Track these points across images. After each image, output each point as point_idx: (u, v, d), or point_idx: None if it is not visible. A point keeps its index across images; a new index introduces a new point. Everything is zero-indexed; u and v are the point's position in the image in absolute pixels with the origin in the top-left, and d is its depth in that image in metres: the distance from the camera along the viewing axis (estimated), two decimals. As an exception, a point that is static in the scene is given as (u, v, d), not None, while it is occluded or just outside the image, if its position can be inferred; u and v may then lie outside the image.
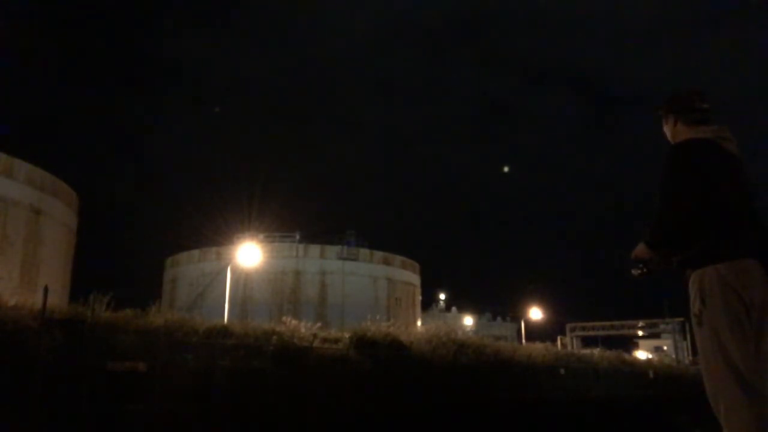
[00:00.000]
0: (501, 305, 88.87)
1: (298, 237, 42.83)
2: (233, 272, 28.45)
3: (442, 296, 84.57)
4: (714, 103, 3.53)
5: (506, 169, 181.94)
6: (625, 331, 76.67)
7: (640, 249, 3.39)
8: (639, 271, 3.45)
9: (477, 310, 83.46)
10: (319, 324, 20.44)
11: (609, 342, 54.17)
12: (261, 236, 38.34)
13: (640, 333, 78.97)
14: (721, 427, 3.09)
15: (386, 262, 45.69)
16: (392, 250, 46.72)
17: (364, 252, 44.35)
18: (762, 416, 2.94)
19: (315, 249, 42.68)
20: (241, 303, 37.65)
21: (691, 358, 68.60)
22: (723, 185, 3.22)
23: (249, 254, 29.08)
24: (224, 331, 16.32)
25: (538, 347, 32.00)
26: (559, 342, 63.77)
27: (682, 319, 69.05)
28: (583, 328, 76.32)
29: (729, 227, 3.16)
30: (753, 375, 2.98)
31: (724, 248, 3.13)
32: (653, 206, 3.30)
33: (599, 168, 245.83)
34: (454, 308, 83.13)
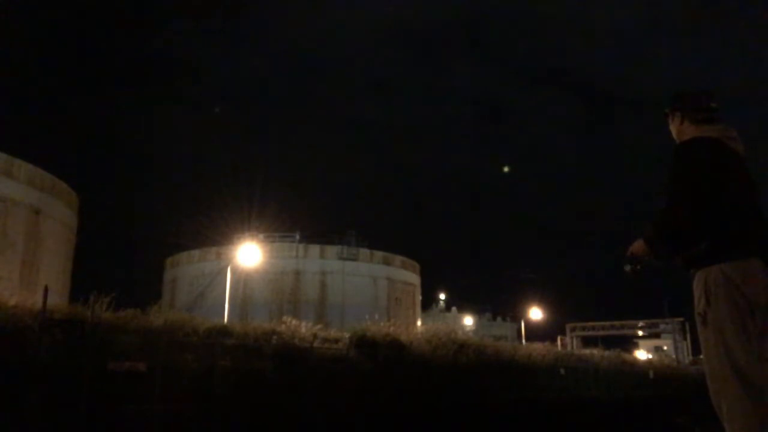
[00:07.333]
0: (501, 305, 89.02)
1: (298, 237, 42.80)
2: (233, 272, 28.45)
3: (442, 296, 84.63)
4: (719, 103, 3.52)
5: (506, 169, 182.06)
6: (625, 331, 76.61)
7: (638, 246, 3.34)
8: (632, 268, 3.38)
9: (477, 310, 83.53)
10: (319, 325, 20.46)
11: (609, 342, 54.09)
12: (261, 236, 38.34)
13: (640, 333, 78.91)
14: (722, 427, 3.08)
15: (386, 262, 45.68)
16: (392, 250, 46.76)
17: (364, 252, 44.33)
18: (765, 416, 2.93)
19: (315, 249, 42.67)
20: (241, 303, 37.63)
21: (691, 358, 68.61)
22: (728, 185, 3.20)
23: (249, 254, 29.09)
24: (224, 331, 16.31)
25: (539, 347, 31.98)
26: (559, 342, 63.72)
27: (682, 319, 69.08)
28: (583, 328, 76.27)
29: (734, 227, 3.15)
30: (756, 375, 2.97)
31: (729, 248, 3.12)
32: (656, 205, 3.29)
33: (598, 168, 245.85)
34: (454, 308, 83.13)
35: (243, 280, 36.89)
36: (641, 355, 61.22)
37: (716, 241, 3.14)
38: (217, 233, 38.16)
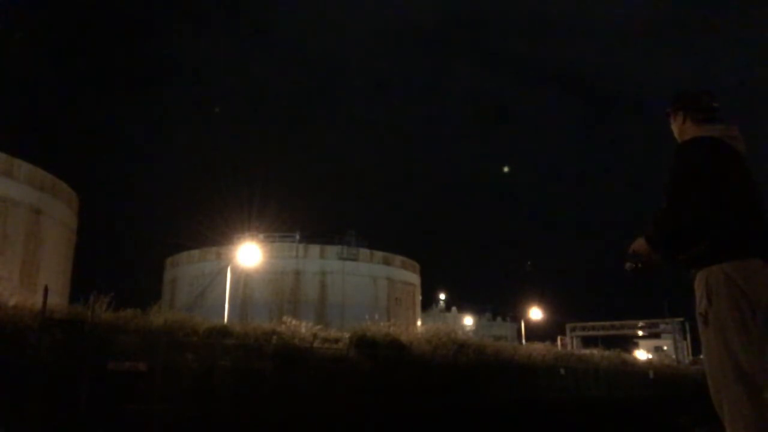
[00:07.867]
0: (501, 305, 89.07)
1: (298, 237, 42.78)
2: (233, 272, 28.45)
3: (442, 296, 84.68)
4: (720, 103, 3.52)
5: (506, 169, 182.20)
6: (625, 331, 76.62)
7: (639, 244, 3.33)
8: (633, 266, 3.34)
9: (477, 310, 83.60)
10: (319, 325, 20.46)
11: (609, 342, 54.12)
12: (261, 236, 38.35)
13: (640, 333, 78.92)
14: (723, 427, 3.08)
15: (386, 262, 45.65)
16: (392, 250, 46.71)
17: (364, 252, 44.30)
18: (766, 417, 2.93)
19: (315, 249, 42.64)
20: (241, 303, 37.62)
21: (691, 358, 68.62)
22: (730, 184, 3.20)
23: (249, 254, 29.09)
24: (224, 331, 16.32)
25: (539, 347, 32.00)
26: (559, 342, 63.71)
27: (681, 319, 69.16)
28: (583, 328, 76.29)
29: (735, 226, 3.14)
30: (758, 375, 2.96)
31: (730, 248, 3.11)
32: (657, 205, 3.28)
33: (598, 168, 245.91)
34: (454, 308, 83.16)
35: (243, 280, 36.89)
36: (641, 355, 61.22)
37: (717, 241, 3.13)
38: (217, 233, 38.21)
